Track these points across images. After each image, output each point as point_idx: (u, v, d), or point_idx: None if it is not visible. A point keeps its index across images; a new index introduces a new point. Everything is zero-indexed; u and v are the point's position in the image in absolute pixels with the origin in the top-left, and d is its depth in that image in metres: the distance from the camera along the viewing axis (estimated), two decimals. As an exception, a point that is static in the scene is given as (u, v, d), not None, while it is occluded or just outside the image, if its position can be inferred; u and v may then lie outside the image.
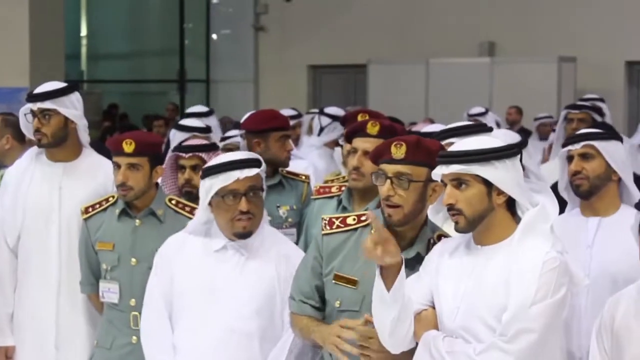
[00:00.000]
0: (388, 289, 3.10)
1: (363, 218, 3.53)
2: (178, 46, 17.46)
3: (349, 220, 3.55)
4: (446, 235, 3.44)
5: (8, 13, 11.52)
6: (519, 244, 3.09)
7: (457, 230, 3.16)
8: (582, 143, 4.18)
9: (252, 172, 3.67)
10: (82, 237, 4.51)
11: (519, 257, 3.08)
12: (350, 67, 15.61)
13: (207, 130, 6.28)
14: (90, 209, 4.49)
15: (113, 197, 4.48)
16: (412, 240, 3.41)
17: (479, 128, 4.22)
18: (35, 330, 4.72)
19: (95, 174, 4.74)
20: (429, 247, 3.40)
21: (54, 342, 4.68)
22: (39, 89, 4.73)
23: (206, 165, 3.78)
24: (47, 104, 4.64)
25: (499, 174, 3.09)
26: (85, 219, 4.48)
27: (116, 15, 18.61)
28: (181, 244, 3.85)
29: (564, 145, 4.32)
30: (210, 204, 3.74)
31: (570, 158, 4.23)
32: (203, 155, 4.73)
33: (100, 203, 4.50)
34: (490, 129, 4.27)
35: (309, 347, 3.72)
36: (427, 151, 3.35)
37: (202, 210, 3.81)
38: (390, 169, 3.34)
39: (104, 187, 4.71)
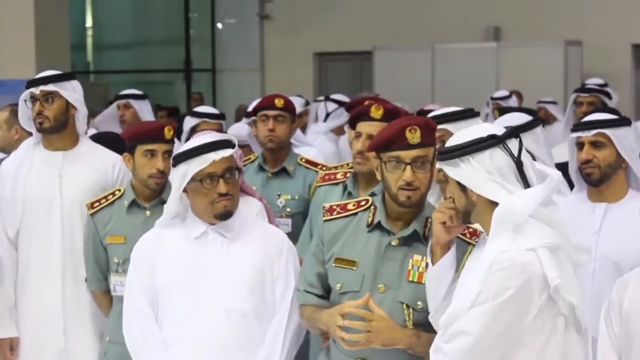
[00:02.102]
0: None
1: (362, 203, 3.56)
2: (183, 35, 17.46)
3: (349, 206, 3.57)
4: None
5: (13, 4, 11.53)
6: (488, 240, 3.01)
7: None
8: (594, 131, 4.12)
9: (227, 152, 3.59)
10: (89, 233, 4.46)
11: (479, 255, 3.03)
12: (356, 54, 15.59)
13: (218, 116, 6.29)
14: (96, 204, 4.44)
15: (119, 190, 4.46)
16: (410, 220, 3.43)
17: (469, 114, 4.14)
18: (42, 320, 4.72)
19: (94, 162, 4.75)
20: (426, 225, 3.41)
21: (62, 330, 4.69)
22: (40, 75, 4.77)
23: (178, 152, 3.69)
24: (50, 87, 4.68)
25: (462, 172, 3.02)
26: (92, 214, 4.43)
27: (121, 5, 18.62)
28: (158, 239, 3.76)
29: (573, 130, 4.25)
30: (184, 190, 3.66)
31: (579, 144, 4.18)
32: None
33: (106, 197, 4.46)
34: (477, 114, 4.20)
35: (303, 326, 3.74)
36: (433, 131, 3.40)
37: (174, 202, 3.72)
38: (407, 154, 3.33)
39: (104, 176, 4.72)
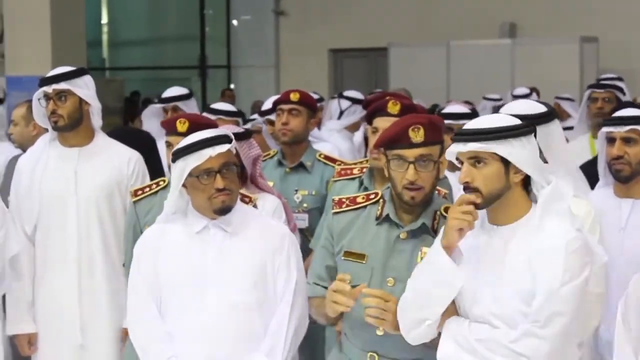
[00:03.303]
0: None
1: (371, 196, 3.57)
2: (199, 32, 17.51)
3: (358, 199, 3.59)
4: None
5: (29, 1, 11.59)
6: (539, 225, 3.06)
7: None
8: (628, 127, 4.09)
9: (223, 148, 3.59)
10: (130, 220, 4.48)
11: (540, 239, 3.04)
12: (371, 51, 15.59)
13: (234, 114, 6.29)
14: (139, 192, 4.45)
15: (164, 180, 4.46)
16: (419, 213, 3.44)
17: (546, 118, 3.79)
18: (58, 316, 4.74)
19: (110, 158, 4.76)
20: (435, 219, 3.43)
21: (79, 325, 4.72)
22: (52, 72, 4.77)
23: (176, 148, 3.69)
24: (62, 85, 4.68)
25: (516, 152, 3.06)
26: (135, 202, 4.44)
27: (136, 2, 18.69)
28: (161, 234, 3.76)
29: (605, 125, 4.22)
30: (184, 185, 3.67)
31: (610, 139, 4.15)
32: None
33: (150, 186, 4.47)
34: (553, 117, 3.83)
35: (305, 318, 3.75)
36: (439, 129, 3.41)
37: (173, 198, 3.72)
38: (411, 153, 3.33)
39: (119, 171, 4.74)
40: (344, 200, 3.61)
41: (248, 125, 6.16)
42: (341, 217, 3.56)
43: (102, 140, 4.85)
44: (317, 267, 3.62)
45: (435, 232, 3.38)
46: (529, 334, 3.00)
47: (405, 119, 3.43)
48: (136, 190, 4.48)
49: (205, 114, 6.26)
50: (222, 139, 3.63)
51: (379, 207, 3.50)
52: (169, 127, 4.32)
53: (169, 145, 4.27)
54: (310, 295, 3.63)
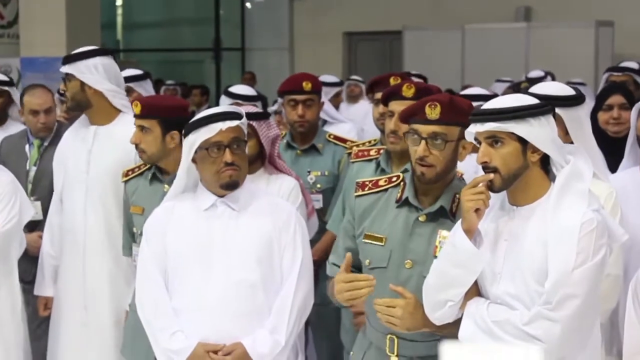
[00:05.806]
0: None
1: (393, 179, 3.58)
2: (213, 14, 17.49)
3: (380, 182, 3.60)
4: None
5: (44, -17, 11.61)
6: (555, 205, 3.05)
7: (492, 189, 3.11)
8: None
9: (233, 123, 3.64)
10: (123, 201, 4.54)
11: (555, 219, 3.03)
12: (385, 34, 15.56)
13: (251, 98, 6.28)
14: (129, 173, 4.51)
15: None
16: (438, 196, 3.43)
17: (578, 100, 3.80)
18: (67, 291, 4.84)
19: (123, 140, 4.70)
20: (454, 202, 3.41)
21: (82, 304, 4.78)
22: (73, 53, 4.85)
23: (189, 122, 3.74)
24: (65, 68, 4.76)
25: (534, 131, 3.05)
26: (125, 182, 4.51)
27: (151, -16, 18.68)
28: (170, 211, 3.81)
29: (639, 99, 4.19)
30: (194, 160, 3.71)
31: None
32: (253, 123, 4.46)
33: (139, 167, 4.51)
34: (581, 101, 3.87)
35: (311, 298, 3.78)
36: (460, 110, 3.36)
37: (182, 173, 3.79)
38: (424, 129, 3.34)
39: (128, 154, 4.71)
40: (367, 183, 3.62)
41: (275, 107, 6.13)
42: (363, 200, 3.57)
43: (123, 122, 4.80)
44: (338, 247, 3.65)
45: (453, 216, 3.38)
46: (540, 316, 2.99)
47: (428, 97, 3.44)
48: (127, 171, 4.52)
49: (223, 97, 6.28)
50: (234, 115, 3.68)
51: (400, 190, 3.51)
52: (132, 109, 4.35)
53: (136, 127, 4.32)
54: (330, 275, 3.64)
